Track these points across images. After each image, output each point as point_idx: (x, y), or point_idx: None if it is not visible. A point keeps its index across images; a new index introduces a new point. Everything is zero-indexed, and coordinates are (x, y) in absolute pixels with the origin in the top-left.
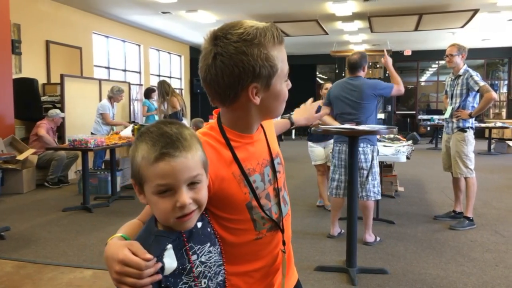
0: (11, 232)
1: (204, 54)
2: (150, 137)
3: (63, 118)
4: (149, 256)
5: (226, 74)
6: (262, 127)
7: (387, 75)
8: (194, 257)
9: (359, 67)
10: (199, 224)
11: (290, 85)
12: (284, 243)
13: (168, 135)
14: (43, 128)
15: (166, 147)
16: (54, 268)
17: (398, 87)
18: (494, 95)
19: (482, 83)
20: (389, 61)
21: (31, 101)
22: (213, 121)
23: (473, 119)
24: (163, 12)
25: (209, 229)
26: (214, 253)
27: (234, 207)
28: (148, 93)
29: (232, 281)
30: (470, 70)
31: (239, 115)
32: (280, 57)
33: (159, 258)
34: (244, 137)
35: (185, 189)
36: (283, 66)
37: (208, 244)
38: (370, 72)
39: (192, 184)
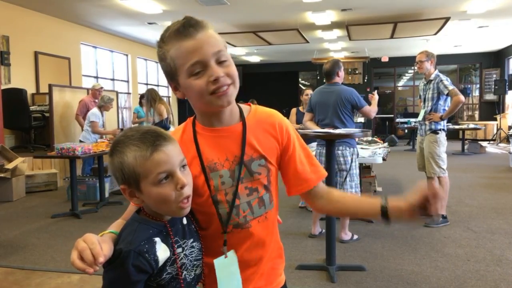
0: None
1: None
2: (134, 139)
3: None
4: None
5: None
6: (243, 124)
7: (365, 80)
8: (179, 249)
9: (333, 73)
10: (185, 221)
11: (213, 75)
12: (225, 243)
13: (150, 132)
14: (78, 109)
15: (157, 141)
16: (42, 273)
17: (371, 108)
18: (462, 98)
19: (451, 87)
20: (376, 97)
21: (20, 110)
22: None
23: (445, 121)
24: (149, 23)
25: (193, 226)
26: (196, 249)
27: (201, 198)
28: (140, 100)
29: (207, 269)
30: (441, 75)
31: (193, 108)
32: (175, 54)
33: (152, 251)
34: (207, 130)
35: (179, 173)
36: (179, 62)
37: (192, 239)
38: (350, 78)
39: (183, 167)
